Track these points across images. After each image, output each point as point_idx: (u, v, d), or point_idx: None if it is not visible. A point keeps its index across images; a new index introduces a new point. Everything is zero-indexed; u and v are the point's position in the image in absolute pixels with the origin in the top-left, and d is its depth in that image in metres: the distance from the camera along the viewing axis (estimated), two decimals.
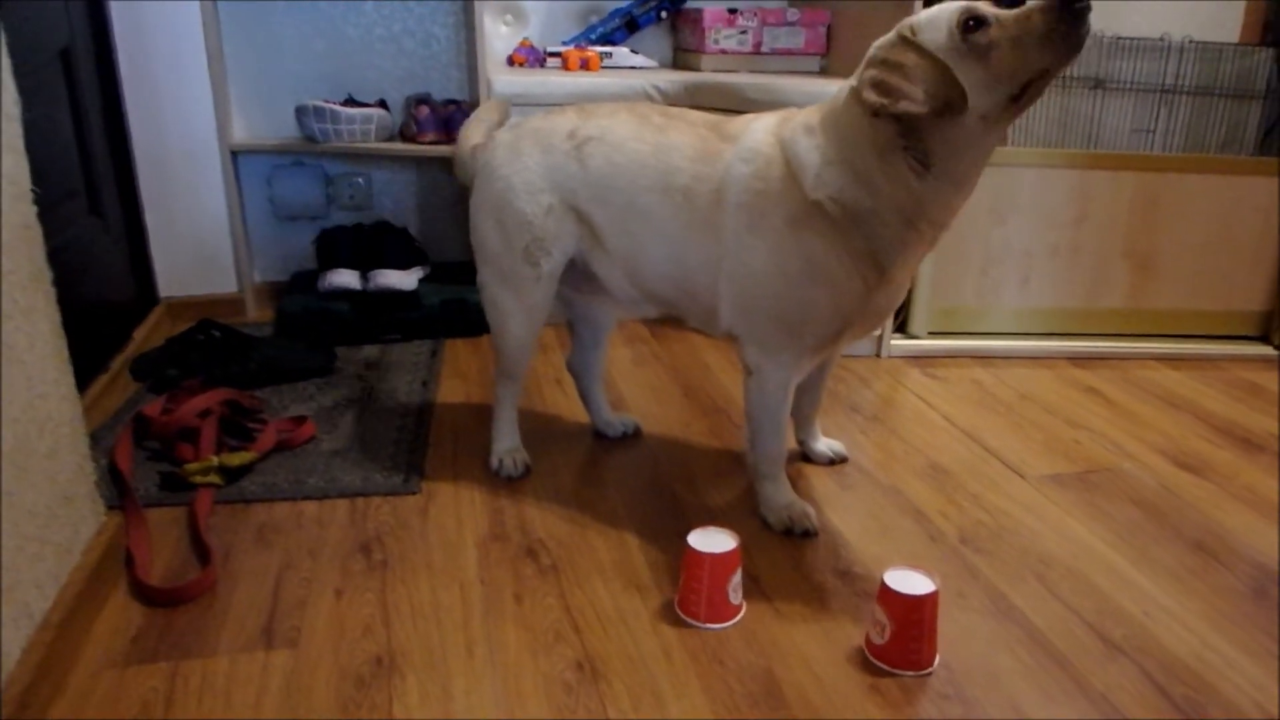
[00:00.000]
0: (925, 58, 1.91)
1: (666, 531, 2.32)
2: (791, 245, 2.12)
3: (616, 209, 2.33)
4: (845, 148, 2.04)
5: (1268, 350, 3.74)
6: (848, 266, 2.10)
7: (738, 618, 2.00)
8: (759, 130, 2.21)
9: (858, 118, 2.01)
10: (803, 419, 2.72)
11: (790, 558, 2.24)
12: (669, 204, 2.26)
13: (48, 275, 1.90)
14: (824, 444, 2.75)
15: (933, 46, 1.91)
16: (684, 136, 2.28)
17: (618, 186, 2.31)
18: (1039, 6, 1.83)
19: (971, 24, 1.87)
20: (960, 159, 1.99)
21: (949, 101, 1.90)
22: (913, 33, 1.94)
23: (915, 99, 1.90)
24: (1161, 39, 3.69)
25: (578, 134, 2.36)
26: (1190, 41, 3.70)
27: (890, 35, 1.98)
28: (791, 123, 2.17)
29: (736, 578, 1.98)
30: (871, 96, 1.93)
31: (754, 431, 2.37)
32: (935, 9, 1.96)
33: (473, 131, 2.58)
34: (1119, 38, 3.67)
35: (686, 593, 1.99)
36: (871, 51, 2.01)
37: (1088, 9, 1.81)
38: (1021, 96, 1.91)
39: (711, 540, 1.98)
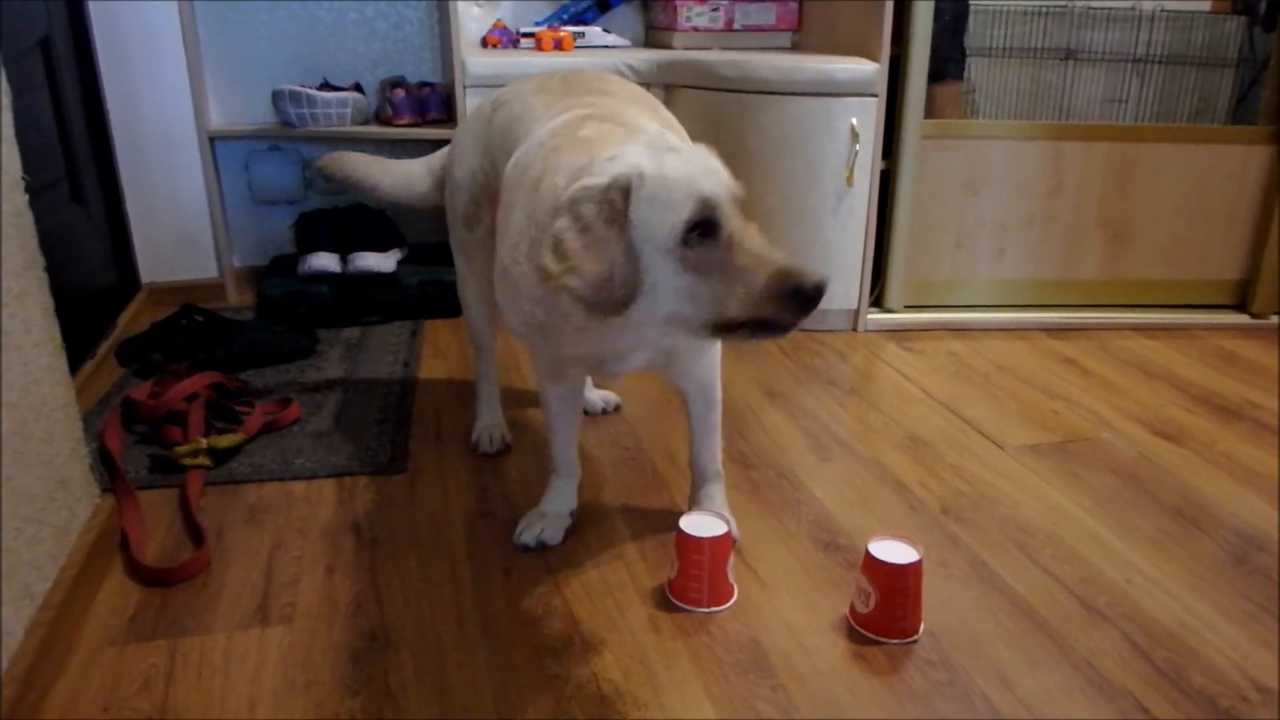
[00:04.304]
0: (623, 236, 1.59)
1: (649, 505, 2.35)
2: None
3: (498, 173, 2.16)
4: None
5: (1243, 318, 3.78)
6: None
7: (735, 596, 2.01)
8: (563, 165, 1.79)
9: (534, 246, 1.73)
10: None
11: (774, 530, 2.27)
12: (510, 175, 2.02)
13: (40, 262, 1.92)
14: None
15: (640, 229, 1.58)
16: (551, 112, 2.06)
17: (504, 149, 2.15)
18: (775, 271, 1.55)
19: (698, 232, 1.57)
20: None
21: (620, 300, 1.60)
22: (624, 197, 1.59)
23: (586, 280, 1.58)
24: (1132, 8, 3.71)
25: (501, 98, 2.35)
26: (1161, 10, 3.72)
27: (601, 183, 1.60)
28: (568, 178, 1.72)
29: (732, 557, 2.00)
30: (548, 261, 1.59)
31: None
32: (675, 169, 1.61)
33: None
34: (1090, 7, 3.70)
35: (686, 580, 1.96)
36: (573, 192, 1.63)
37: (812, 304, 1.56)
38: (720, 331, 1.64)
39: (703, 524, 1.97)
